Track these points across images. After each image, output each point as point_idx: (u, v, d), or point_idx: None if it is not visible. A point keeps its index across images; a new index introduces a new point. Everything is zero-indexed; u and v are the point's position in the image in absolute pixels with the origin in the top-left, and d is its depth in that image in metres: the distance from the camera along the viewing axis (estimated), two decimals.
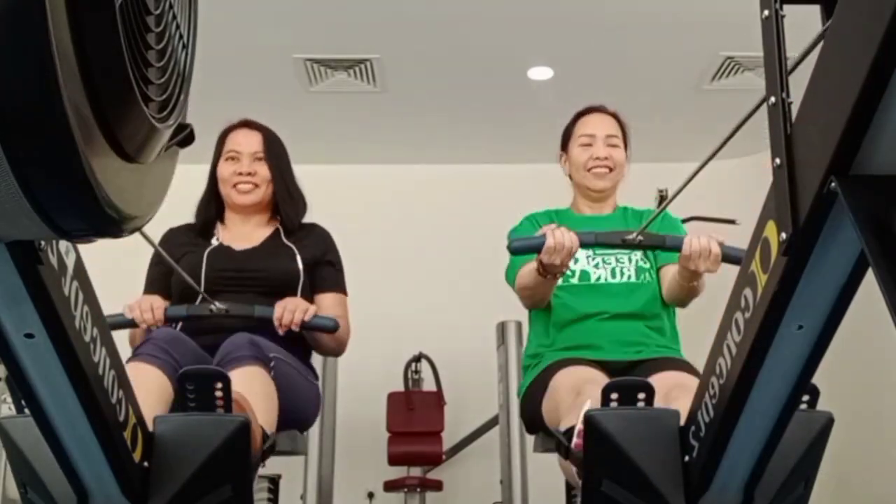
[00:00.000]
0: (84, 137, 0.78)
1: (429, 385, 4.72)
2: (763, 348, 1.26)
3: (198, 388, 1.64)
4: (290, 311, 2.33)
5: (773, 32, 1.11)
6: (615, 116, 2.72)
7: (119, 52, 0.82)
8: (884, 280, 0.91)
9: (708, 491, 1.50)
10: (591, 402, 1.78)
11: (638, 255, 2.57)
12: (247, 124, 2.67)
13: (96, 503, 1.44)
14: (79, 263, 1.21)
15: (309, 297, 2.54)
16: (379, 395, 4.61)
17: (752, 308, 1.26)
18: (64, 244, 1.16)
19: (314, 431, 3.59)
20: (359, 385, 4.42)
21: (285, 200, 2.64)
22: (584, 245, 2.30)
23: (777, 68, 1.10)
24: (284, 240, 2.62)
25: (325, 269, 2.62)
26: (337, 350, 2.63)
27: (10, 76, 0.73)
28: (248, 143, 2.62)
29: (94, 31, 0.79)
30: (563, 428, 2.00)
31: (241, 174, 2.59)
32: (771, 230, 1.16)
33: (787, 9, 1.11)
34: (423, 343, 4.75)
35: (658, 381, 2.15)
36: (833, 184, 0.98)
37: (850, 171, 0.98)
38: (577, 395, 2.11)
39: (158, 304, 2.35)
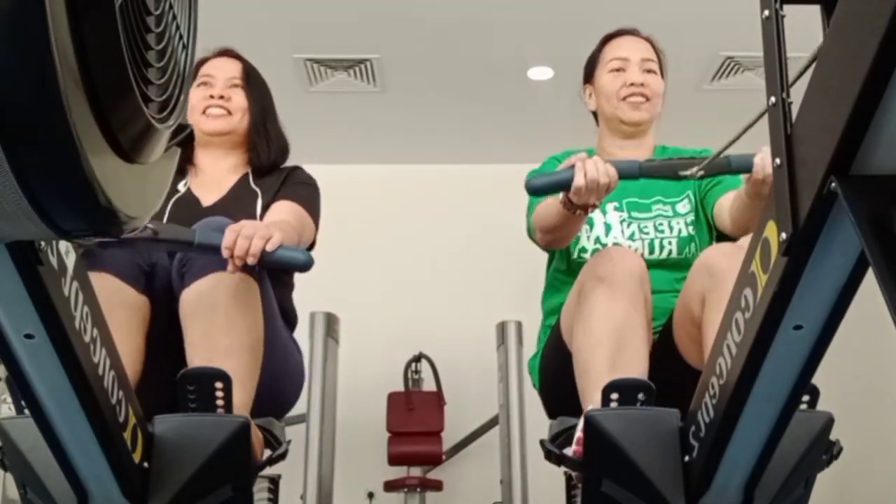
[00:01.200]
0: (84, 137, 0.78)
1: (429, 385, 4.72)
2: (763, 348, 1.26)
3: (198, 388, 1.63)
4: (245, 237, 1.75)
5: (773, 32, 1.11)
6: (650, 41, 2.33)
7: (119, 53, 0.82)
8: (884, 280, 0.91)
9: (708, 491, 1.50)
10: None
11: (686, 218, 2.18)
12: (225, 52, 2.31)
13: (96, 503, 1.44)
14: (79, 263, 1.21)
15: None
16: (379, 395, 4.61)
17: (752, 308, 1.26)
18: (64, 244, 1.16)
19: (314, 431, 3.60)
20: (359, 385, 4.43)
21: (259, 135, 2.25)
22: (624, 177, 1.84)
23: (777, 68, 1.10)
24: (252, 184, 2.22)
25: (293, 187, 2.20)
26: None
27: (10, 76, 0.73)
28: (224, 68, 2.27)
29: (94, 32, 0.79)
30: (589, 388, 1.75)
31: (212, 97, 2.21)
32: (771, 230, 1.16)
33: (787, 9, 1.11)
34: (423, 343, 4.74)
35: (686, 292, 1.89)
36: (833, 184, 0.98)
37: (850, 171, 0.98)
38: (618, 338, 1.78)
39: None
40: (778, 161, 1.09)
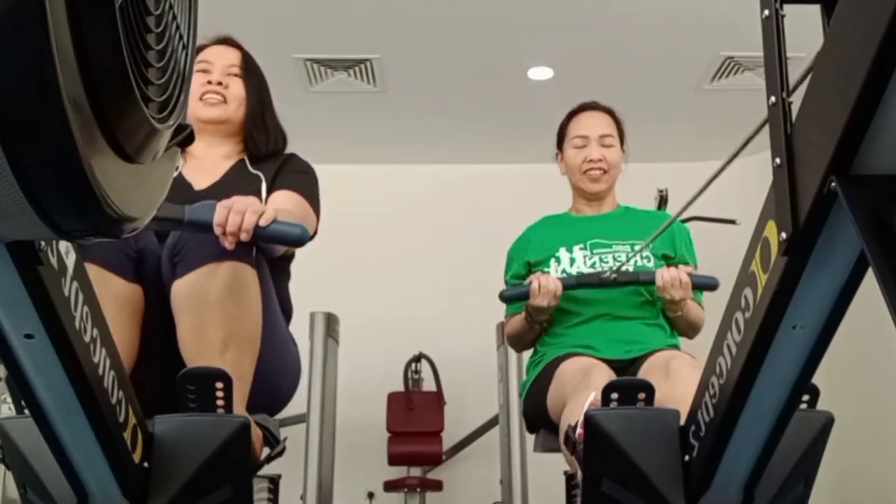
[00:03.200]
0: (84, 138, 0.78)
1: (429, 385, 4.72)
2: (763, 348, 1.26)
3: (198, 388, 1.63)
4: (237, 212, 1.69)
5: (773, 32, 1.11)
6: (610, 113, 2.67)
7: (119, 53, 0.82)
8: (884, 280, 0.91)
9: (708, 491, 1.50)
10: (598, 385, 1.80)
11: (643, 253, 2.54)
12: (223, 40, 2.28)
13: (96, 503, 1.44)
14: (79, 263, 1.21)
15: None
16: (379, 395, 4.61)
17: (752, 308, 1.26)
18: (64, 244, 1.16)
19: (314, 431, 3.60)
20: (359, 385, 4.43)
21: (257, 126, 2.22)
22: (566, 288, 2.42)
23: (777, 68, 1.10)
24: (250, 168, 2.19)
25: (291, 175, 2.16)
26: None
27: (10, 76, 0.73)
28: (223, 55, 2.24)
29: (94, 32, 0.79)
30: (567, 414, 2.01)
31: (209, 83, 2.18)
32: (771, 230, 1.16)
33: (788, 9, 1.11)
34: (423, 343, 4.75)
35: (656, 357, 2.28)
36: (833, 184, 0.98)
37: (850, 171, 0.98)
38: (584, 374, 2.15)
39: None
40: (778, 161, 1.09)
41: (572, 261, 2.56)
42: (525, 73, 4.38)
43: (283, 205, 1.97)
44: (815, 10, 1.11)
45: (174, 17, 0.97)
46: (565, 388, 2.22)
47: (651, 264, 2.55)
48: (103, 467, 1.38)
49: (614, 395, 1.67)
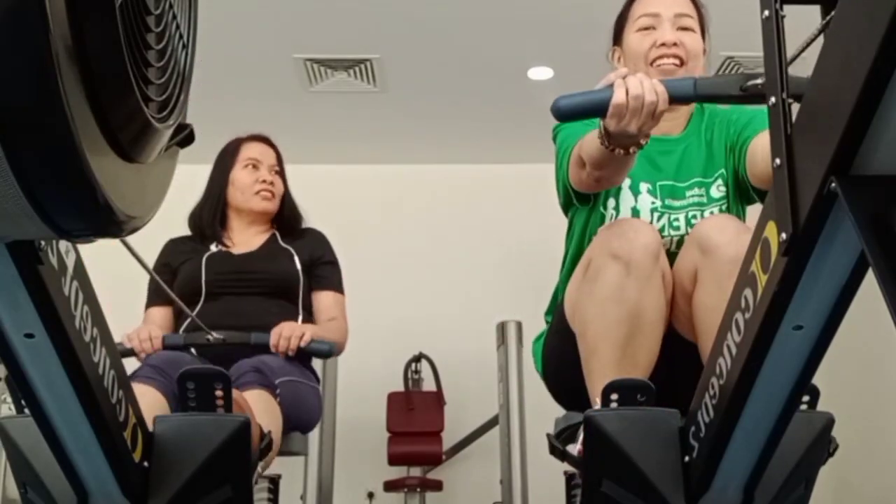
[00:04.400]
0: (84, 137, 0.78)
1: (429, 385, 4.72)
2: (763, 348, 1.26)
3: (198, 388, 1.63)
4: (285, 337, 2.40)
5: (773, 32, 1.11)
6: None
7: (119, 52, 0.82)
8: (884, 280, 0.91)
9: (708, 491, 1.50)
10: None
11: (720, 205, 1.97)
12: (262, 139, 2.79)
13: (96, 503, 1.44)
14: (79, 263, 1.21)
15: (308, 297, 2.64)
16: (379, 395, 4.61)
17: (752, 308, 1.26)
18: (64, 244, 1.16)
19: (314, 431, 3.60)
20: (359, 385, 4.43)
21: (292, 210, 2.78)
22: (676, 100, 1.51)
23: (777, 68, 1.10)
24: (282, 243, 2.71)
25: (323, 268, 2.69)
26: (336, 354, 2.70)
27: (10, 76, 0.73)
28: (266, 155, 2.74)
29: (94, 32, 0.79)
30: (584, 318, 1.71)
31: (265, 182, 2.69)
32: (771, 230, 1.16)
33: (787, 9, 1.11)
34: (423, 343, 4.75)
35: (704, 226, 1.79)
36: (833, 184, 0.98)
37: (850, 171, 0.98)
38: (630, 325, 1.68)
39: (156, 333, 2.40)
40: (778, 161, 1.09)
41: (635, 213, 1.95)
42: (525, 73, 4.38)
43: (330, 310, 2.62)
44: (815, 10, 1.11)
45: (174, 17, 0.97)
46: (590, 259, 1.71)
47: (719, 207, 1.97)
48: (103, 467, 1.38)
49: (614, 396, 1.67)
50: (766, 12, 1.12)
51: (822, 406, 1.67)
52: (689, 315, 1.81)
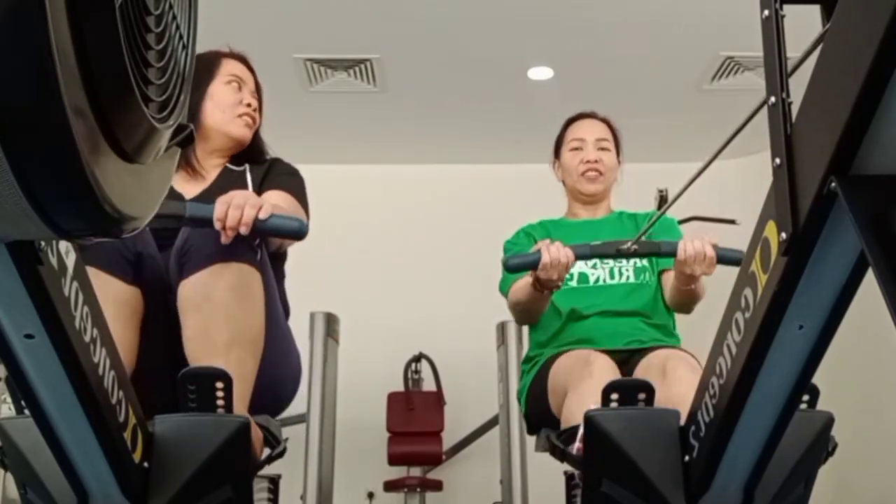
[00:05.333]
0: (84, 138, 0.78)
1: (429, 385, 4.72)
2: (763, 348, 1.26)
3: (198, 388, 1.63)
4: (236, 206, 1.72)
5: (773, 32, 1.11)
6: (606, 122, 2.72)
7: (119, 53, 0.82)
8: (884, 280, 0.91)
9: (708, 491, 1.50)
10: (600, 374, 1.83)
11: (641, 260, 2.55)
12: (242, 59, 2.29)
13: (96, 503, 1.44)
14: (79, 263, 1.21)
15: None
16: (379, 395, 4.61)
17: (752, 308, 1.26)
18: (64, 244, 1.16)
19: (314, 431, 3.60)
20: (359, 385, 4.43)
21: (259, 148, 2.27)
22: (579, 258, 2.29)
23: (777, 68, 1.10)
24: (232, 167, 2.23)
25: (280, 178, 2.17)
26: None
27: (10, 76, 0.73)
28: (248, 77, 2.26)
29: (94, 32, 0.79)
30: (570, 406, 2.02)
31: (249, 105, 2.20)
32: (771, 230, 1.16)
33: (787, 9, 1.11)
34: (423, 343, 4.75)
35: (653, 356, 2.26)
36: (833, 184, 0.98)
37: (850, 171, 0.98)
38: (585, 363, 2.15)
39: None
40: (778, 161, 1.10)
41: (582, 276, 2.54)
42: (525, 73, 4.38)
43: (277, 202, 1.96)
44: (815, 10, 1.11)
45: (174, 17, 0.97)
46: (567, 378, 2.19)
47: (647, 266, 2.55)
48: (103, 467, 1.38)
49: (614, 396, 1.67)
50: (766, 12, 1.12)
51: (822, 406, 1.68)
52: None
